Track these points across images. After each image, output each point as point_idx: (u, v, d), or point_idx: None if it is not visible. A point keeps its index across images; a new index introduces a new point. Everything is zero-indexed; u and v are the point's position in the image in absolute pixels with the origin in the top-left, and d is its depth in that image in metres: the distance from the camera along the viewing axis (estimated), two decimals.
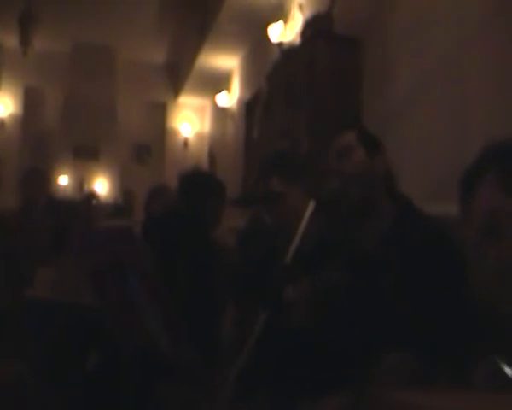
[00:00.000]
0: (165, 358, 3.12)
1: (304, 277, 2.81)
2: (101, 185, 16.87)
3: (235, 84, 13.36)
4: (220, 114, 14.17)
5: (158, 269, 3.65)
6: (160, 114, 18.04)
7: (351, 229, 2.99)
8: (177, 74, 16.86)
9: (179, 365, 3.21)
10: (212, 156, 15.82)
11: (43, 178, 6.84)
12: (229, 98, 13.43)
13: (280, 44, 8.43)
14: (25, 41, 13.34)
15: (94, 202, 8.63)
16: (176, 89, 17.45)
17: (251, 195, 3.31)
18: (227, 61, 13.07)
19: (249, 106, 11.01)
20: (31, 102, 17.39)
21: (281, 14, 8.78)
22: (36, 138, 17.04)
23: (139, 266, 2.87)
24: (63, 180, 16.61)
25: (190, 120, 17.96)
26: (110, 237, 3.03)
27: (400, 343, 2.26)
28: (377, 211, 2.85)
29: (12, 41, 14.07)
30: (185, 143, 17.80)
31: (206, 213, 4.18)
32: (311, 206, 2.62)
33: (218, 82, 13.92)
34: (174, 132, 18.05)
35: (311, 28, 6.68)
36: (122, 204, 13.42)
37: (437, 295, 2.48)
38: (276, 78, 7.49)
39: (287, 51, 7.85)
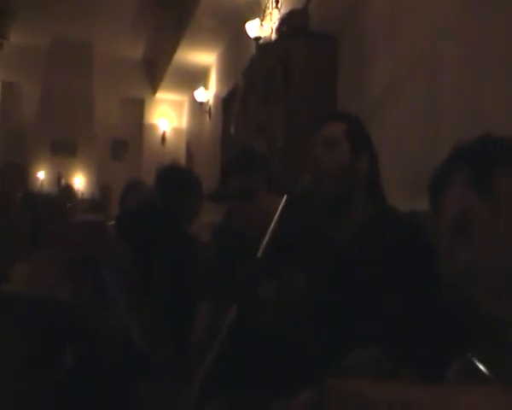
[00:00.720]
0: (142, 354, 3.13)
1: (274, 273, 2.81)
2: (79, 180, 16.85)
3: (213, 80, 13.36)
4: (198, 109, 14.16)
5: (132, 264, 3.66)
6: (137, 109, 18.03)
7: (323, 225, 2.98)
8: (155, 70, 16.85)
9: (155, 361, 3.22)
10: (189, 152, 15.82)
11: (20, 173, 6.82)
12: (206, 94, 13.44)
13: (257, 40, 8.44)
14: (2, 35, 13.27)
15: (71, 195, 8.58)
16: (153, 84, 17.44)
17: (225, 190, 3.28)
18: (204, 56, 13.07)
19: (226, 101, 11.02)
20: (7, 97, 17.34)
21: (258, 9, 8.79)
22: (13, 133, 16.99)
23: (112, 261, 2.88)
24: (40, 175, 16.56)
25: (168, 115, 17.96)
26: (82, 231, 3.04)
27: (372, 340, 2.26)
28: (352, 209, 2.83)
29: None
30: (163, 138, 17.80)
31: (183, 208, 4.18)
32: (284, 200, 2.60)
33: (195, 78, 13.93)
34: (152, 128, 18.05)
35: (287, 24, 6.69)
36: (99, 199, 13.40)
37: (409, 293, 2.49)
38: (253, 73, 7.50)
39: (263, 47, 7.86)
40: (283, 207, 2.58)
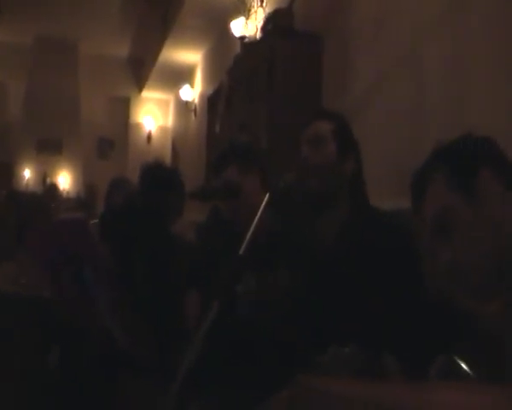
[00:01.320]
0: (123, 352, 3.13)
1: (256, 270, 2.82)
2: (65, 179, 16.80)
3: (198, 79, 13.36)
4: (183, 108, 14.15)
5: (114, 262, 3.67)
6: (123, 108, 18.01)
7: (306, 223, 2.99)
8: (141, 69, 16.82)
9: (137, 358, 3.22)
10: (175, 150, 15.81)
11: (6, 172, 6.81)
12: (192, 92, 13.44)
13: (242, 39, 8.44)
14: None
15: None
16: (139, 83, 17.42)
17: (209, 187, 3.28)
18: (190, 55, 13.06)
19: (211, 100, 11.03)
20: None
21: (243, 8, 8.80)
22: None
23: (94, 259, 2.89)
24: (26, 174, 16.52)
25: (154, 114, 17.95)
26: (64, 229, 3.04)
27: (353, 338, 2.27)
28: (335, 209, 2.83)
29: None
30: (148, 137, 17.79)
31: (166, 206, 4.18)
32: (267, 197, 2.61)
33: (181, 76, 13.92)
34: (137, 126, 18.03)
35: (272, 23, 6.70)
36: (85, 198, 13.39)
37: (390, 292, 2.50)
38: (237, 72, 7.50)
39: (247, 46, 7.86)
40: (266, 204, 2.58)
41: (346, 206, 2.83)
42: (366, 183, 2.93)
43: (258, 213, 2.55)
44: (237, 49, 8.54)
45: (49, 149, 16.80)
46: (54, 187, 13.07)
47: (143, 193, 4.26)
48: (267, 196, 2.61)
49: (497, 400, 1.17)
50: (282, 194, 2.70)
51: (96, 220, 4.68)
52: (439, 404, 1.16)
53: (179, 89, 13.69)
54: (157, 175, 4.28)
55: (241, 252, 2.49)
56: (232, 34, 8.69)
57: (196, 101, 13.24)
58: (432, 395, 1.26)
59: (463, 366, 1.60)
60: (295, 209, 3.05)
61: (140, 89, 17.48)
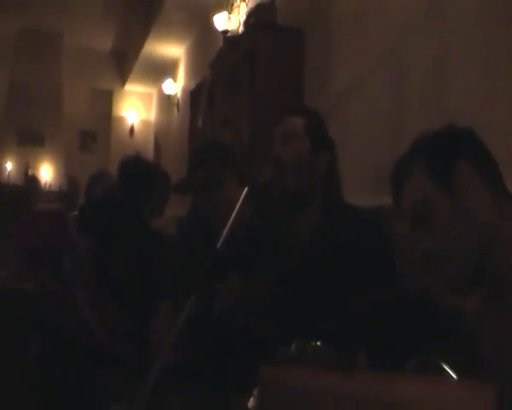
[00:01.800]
0: (101, 345, 3.13)
1: (234, 264, 2.82)
2: (46, 171, 16.74)
3: (181, 73, 13.33)
4: (166, 102, 14.13)
5: (93, 255, 3.66)
6: (106, 101, 17.93)
7: (282, 219, 2.99)
8: (124, 62, 16.78)
9: (113, 352, 3.22)
10: (157, 144, 15.78)
11: None
12: (174, 86, 13.42)
13: (224, 33, 8.43)
14: None
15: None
16: (122, 76, 17.37)
17: (189, 181, 3.29)
18: (173, 49, 13.03)
19: (194, 94, 11.00)
20: None
21: (226, 3, 8.79)
22: None
23: (72, 251, 2.88)
24: (8, 166, 16.45)
25: (136, 107, 17.90)
26: (42, 219, 3.03)
27: (324, 336, 2.27)
28: (309, 205, 2.83)
29: None
30: (131, 130, 17.74)
31: (144, 200, 4.18)
32: (245, 192, 2.61)
33: (164, 70, 13.89)
34: (120, 120, 17.98)
35: (254, 18, 6.70)
36: (66, 190, 13.35)
37: (364, 289, 2.51)
38: (220, 66, 7.51)
39: (230, 40, 7.87)
40: (244, 198, 2.59)
41: (319, 203, 2.83)
42: (341, 179, 2.93)
43: (236, 207, 2.56)
44: (220, 43, 8.52)
45: (31, 141, 16.74)
46: (35, 179, 13.03)
47: (122, 186, 4.26)
48: (245, 190, 2.62)
49: (462, 392, 1.18)
50: (261, 188, 2.71)
51: (76, 213, 4.68)
52: (409, 394, 1.18)
53: (162, 83, 13.66)
54: (135, 169, 4.28)
55: (218, 246, 2.50)
56: (215, 28, 8.68)
57: (179, 95, 13.21)
58: (402, 386, 1.28)
59: (442, 364, 1.61)
60: (273, 204, 3.05)
61: (123, 82, 17.43)
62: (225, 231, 2.52)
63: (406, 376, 1.51)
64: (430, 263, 1.78)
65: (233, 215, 2.55)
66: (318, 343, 1.92)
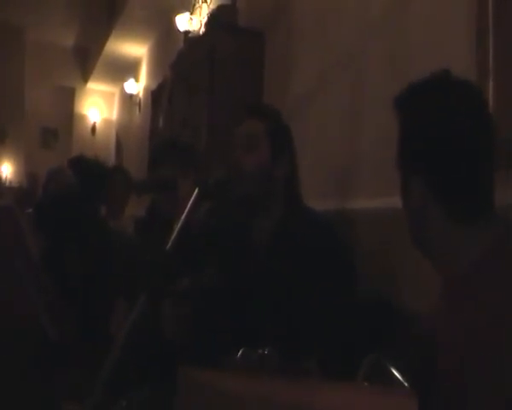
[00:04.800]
0: (52, 342, 3.12)
1: (188, 266, 2.83)
2: (7, 168, 16.61)
3: (143, 72, 13.31)
4: (128, 101, 14.09)
5: (46, 252, 3.65)
6: (68, 98, 17.82)
7: (239, 221, 3.00)
8: (87, 59, 16.70)
9: (64, 349, 3.21)
10: (119, 143, 15.73)
11: None
12: (136, 86, 13.39)
13: (186, 34, 8.42)
14: None
15: None
16: (85, 74, 17.29)
17: (146, 181, 3.29)
18: (136, 48, 13.00)
19: (155, 94, 11.00)
20: None
21: (187, 3, 8.79)
22: None
23: (23, 248, 2.87)
24: None
25: (99, 105, 17.84)
26: None
27: (274, 341, 2.27)
28: (268, 210, 2.84)
29: None
30: (93, 128, 17.68)
31: (102, 200, 4.18)
32: (195, 194, 2.61)
33: (126, 69, 13.86)
34: (82, 118, 17.90)
35: (215, 19, 6.71)
36: (27, 188, 13.27)
37: (321, 292, 2.52)
38: (180, 67, 7.50)
39: (190, 40, 7.86)
40: (194, 200, 2.59)
41: (279, 207, 2.85)
42: (300, 182, 2.94)
43: (187, 208, 2.56)
44: (181, 44, 8.52)
45: None
46: None
47: (79, 185, 4.26)
48: (195, 191, 2.62)
49: (386, 402, 1.20)
50: (211, 190, 2.71)
51: (30, 210, 4.66)
52: (331, 402, 1.19)
53: (124, 82, 13.63)
54: (92, 169, 4.28)
55: (167, 247, 2.50)
56: (177, 29, 8.66)
57: (141, 95, 13.18)
58: (327, 393, 1.29)
59: (391, 369, 1.62)
60: (230, 207, 3.06)
61: (85, 80, 17.35)
62: (175, 232, 2.52)
63: (340, 384, 1.51)
64: None
65: (183, 217, 2.55)
66: (266, 351, 1.93)
